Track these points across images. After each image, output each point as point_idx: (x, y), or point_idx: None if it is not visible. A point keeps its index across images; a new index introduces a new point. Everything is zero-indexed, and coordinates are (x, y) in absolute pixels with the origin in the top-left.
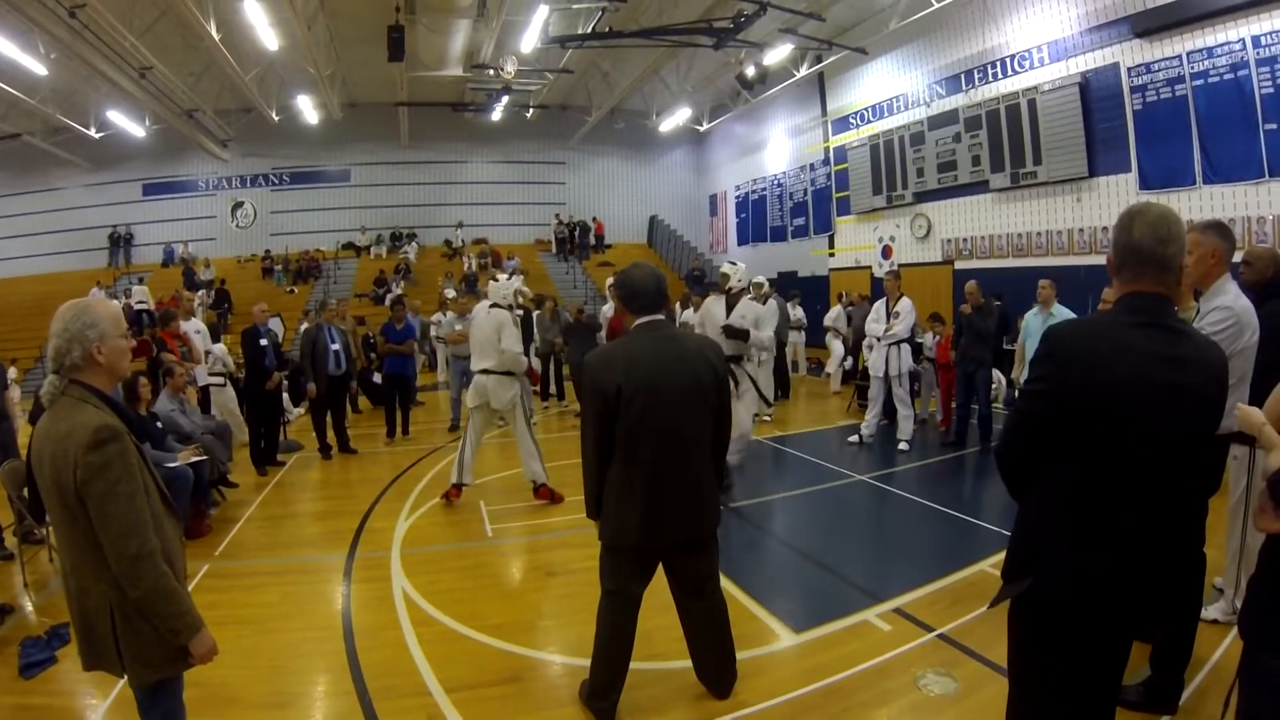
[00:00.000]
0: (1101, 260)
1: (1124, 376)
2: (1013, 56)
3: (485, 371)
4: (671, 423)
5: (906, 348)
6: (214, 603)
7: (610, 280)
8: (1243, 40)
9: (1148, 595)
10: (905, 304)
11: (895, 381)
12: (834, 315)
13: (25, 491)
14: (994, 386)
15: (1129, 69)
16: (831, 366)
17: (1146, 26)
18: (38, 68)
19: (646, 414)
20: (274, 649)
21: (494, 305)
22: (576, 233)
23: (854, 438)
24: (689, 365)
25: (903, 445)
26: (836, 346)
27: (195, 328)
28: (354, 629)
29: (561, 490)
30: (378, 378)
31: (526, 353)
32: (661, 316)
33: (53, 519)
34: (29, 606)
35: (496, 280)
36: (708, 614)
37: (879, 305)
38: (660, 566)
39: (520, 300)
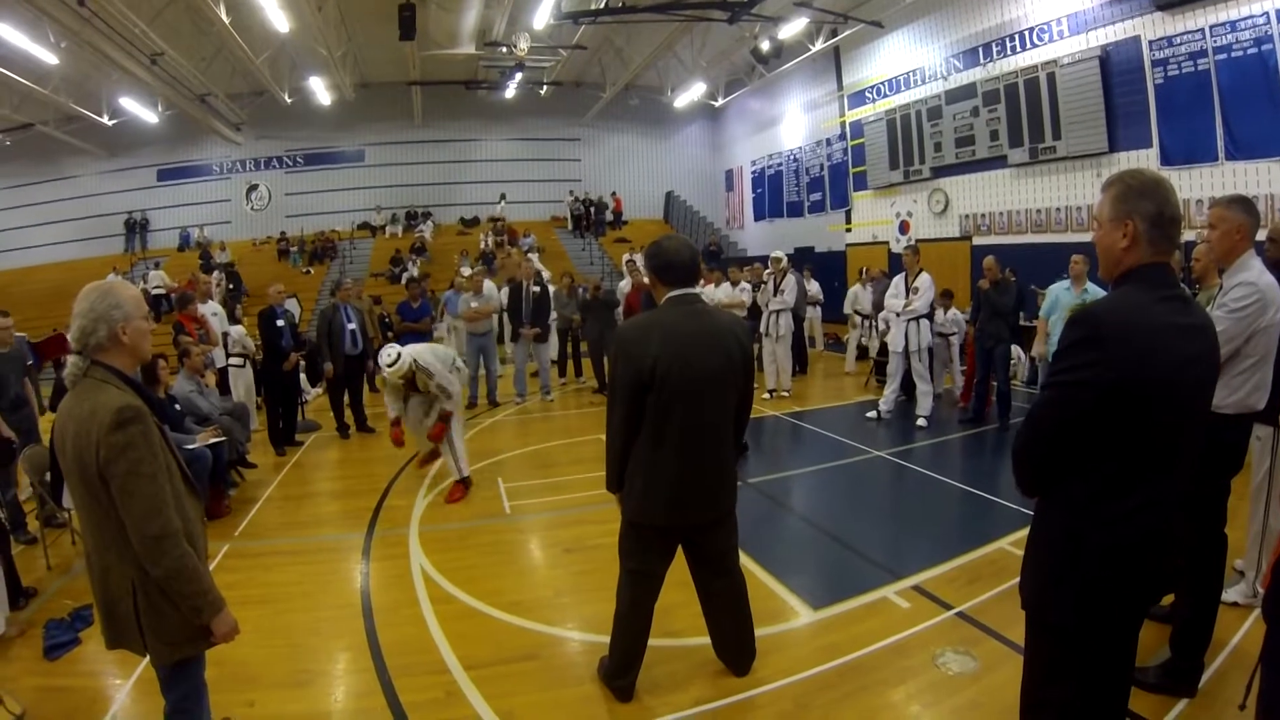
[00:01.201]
0: None
1: (1166, 357)
2: (1032, 29)
3: None
4: (703, 400)
5: (926, 323)
6: (234, 582)
7: (627, 256)
8: (1266, 14)
9: (1168, 565)
10: (924, 279)
11: (914, 357)
12: (852, 297)
13: (48, 476)
14: (1012, 362)
15: (1150, 42)
16: (849, 358)
17: None
18: (49, 57)
19: (680, 390)
20: (293, 628)
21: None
22: (593, 210)
23: (872, 413)
24: (721, 342)
25: (921, 421)
26: (854, 334)
27: (212, 310)
28: (373, 607)
29: (578, 466)
30: None
31: (545, 329)
32: (695, 290)
33: (75, 499)
34: (53, 589)
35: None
36: (727, 590)
37: (898, 280)
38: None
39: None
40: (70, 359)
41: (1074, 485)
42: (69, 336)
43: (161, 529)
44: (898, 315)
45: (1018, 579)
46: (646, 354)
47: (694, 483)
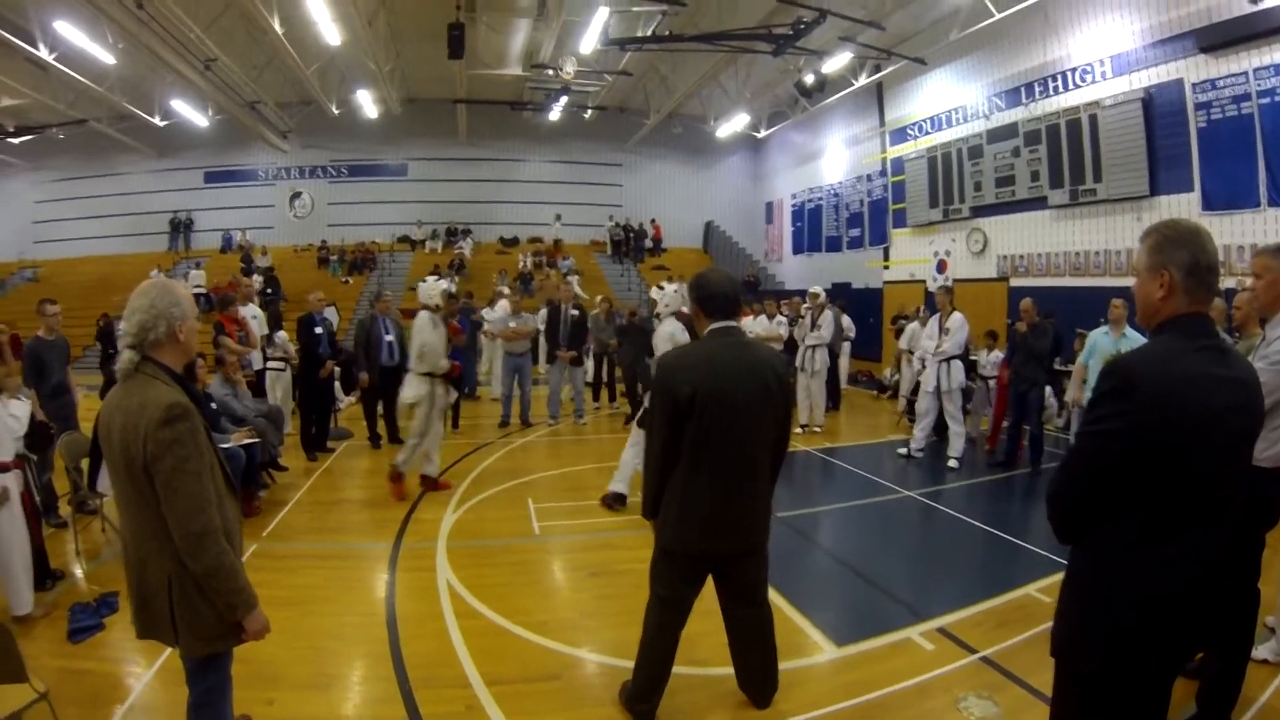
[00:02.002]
0: None
1: (1199, 408)
2: (1074, 70)
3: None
4: (741, 431)
5: (959, 363)
6: (260, 582)
7: (664, 284)
8: None
9: (1208, 618)
10: (957, 319)
11: (946, 398)
12: (910, 334)
13: (84, 463)
14: (1046, 407)
15: (1194, 85)
16: (903, 398)
17: (1212, 42)
18: (106, 57)
19: (718, 420)
20: (316, 631)
21: (424, 306)
22: (633, 236)
23: (902, 450)
24: (759, 374)
25: (952, 463)
26: (908, 372)
27: (252, 313)
28: (397, 617)
29: (603, 491)
30: None
31: (582, 353)
32: (736, 323)
33: (117, 491)
34: (79, 573)
35: (425, 281)
36: (755, 621)
37: (932, 321)
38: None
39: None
40: (124, 352)
41: (1108, 533)
42: (123, 330)
43: (203, 526)
44: (931, 356)
45: (1044, 626)
46: (686, 383)
47: (728, 513)
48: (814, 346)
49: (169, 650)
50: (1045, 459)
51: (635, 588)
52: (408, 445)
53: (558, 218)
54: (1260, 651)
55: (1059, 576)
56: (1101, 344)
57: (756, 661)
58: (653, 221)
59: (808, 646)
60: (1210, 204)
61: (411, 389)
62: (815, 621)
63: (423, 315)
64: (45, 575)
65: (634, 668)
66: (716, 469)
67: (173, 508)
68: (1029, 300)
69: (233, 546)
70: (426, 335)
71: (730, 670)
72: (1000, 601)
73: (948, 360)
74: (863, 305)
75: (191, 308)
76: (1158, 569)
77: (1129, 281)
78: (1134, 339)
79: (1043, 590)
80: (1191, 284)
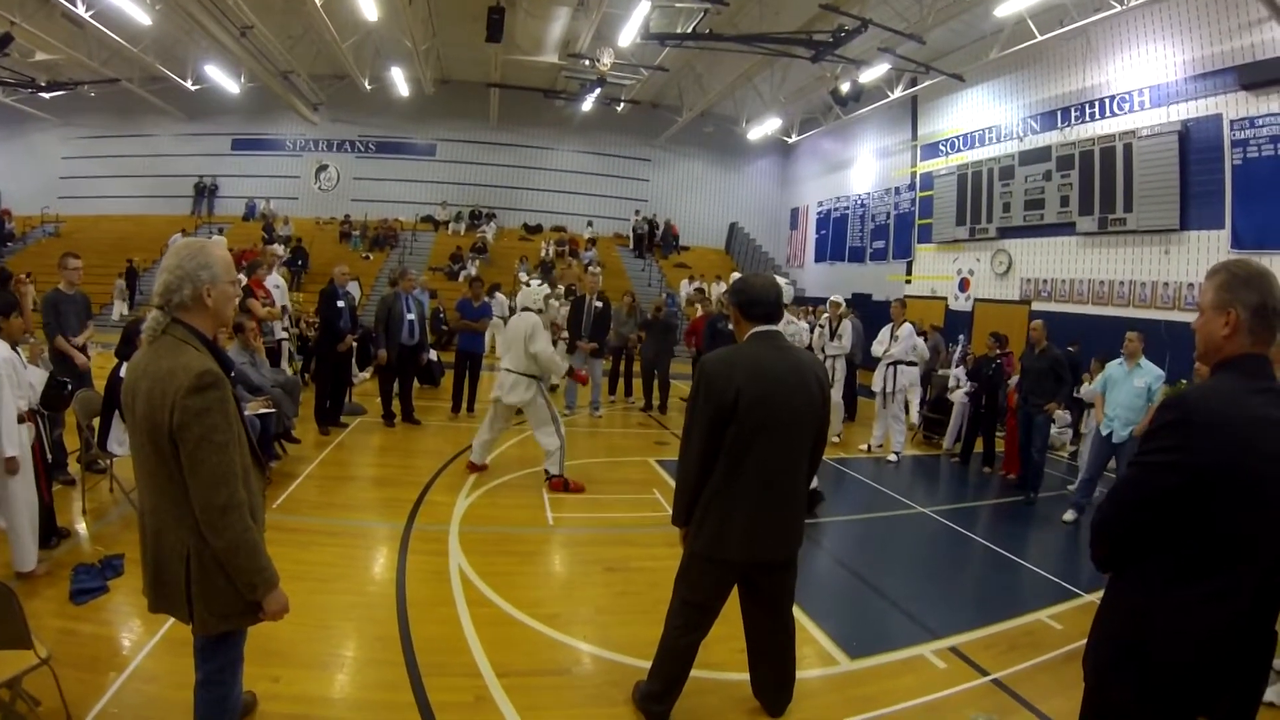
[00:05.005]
0: (1187, 318)
1: (1256, 448)
2: (1113, 97)
3: (509, 370)
4: (783, 437)
5: (905, 369)
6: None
7: (687, 283)
8: None
9: (1243, 657)
10: (905, 329)
11: (891, 399)
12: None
13: (95, 421)
14: (1055, 431)
15: (1232, 121)
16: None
17: (1253, 79)
18: (143, 17)
19: (761, 426)
20: (325, 609)
21: (525, 309)
22: (657, 232)
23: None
24: (803, 380)
25: (892, 457)
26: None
27: (275, 282)
28: (407, 600)
29: (623, 486)
30: (434, 355)
31: (602, 345)
32: (777, 328)
33: (138, 458)
34: (84, 533)
35: (529, 285)
36: (779, 632)
37: (885, 330)
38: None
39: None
40: (152, 313)
41: (1151, 566)
42: (154, 291)
43: (228, 500)
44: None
45: (1055, 652)
46: (730, 386)
47: (770, 520)
48: (834, 356)
49: (170, 622)
50: (1046, 487)
51: (651, 586)
52: (556, 452)
53: (589, 225)
54: (1270, 695)
55: (1070, 603)
56: (1116, 376)
57: (775, 671)
58: (667, 222)
59: (821, 657)
60: (1240, 242)
61: (520, 393)
62: (829, 633)
63: (535, 320)
64: (51, 533)
65: (651, 668)
66: (758, 475)
67: (197, 478)
68: (1039, 322)
69: (256, 522)
70: (543, 344)
71: (745, 676)
72: (1011, 625)
73: (894, 364)
74: (883, 318)
75: (225, 272)
76: (1194, 605)
77: (1152, 315)
78: (1148, 370)
79: (1053, 617)
80: (1256, 324)
